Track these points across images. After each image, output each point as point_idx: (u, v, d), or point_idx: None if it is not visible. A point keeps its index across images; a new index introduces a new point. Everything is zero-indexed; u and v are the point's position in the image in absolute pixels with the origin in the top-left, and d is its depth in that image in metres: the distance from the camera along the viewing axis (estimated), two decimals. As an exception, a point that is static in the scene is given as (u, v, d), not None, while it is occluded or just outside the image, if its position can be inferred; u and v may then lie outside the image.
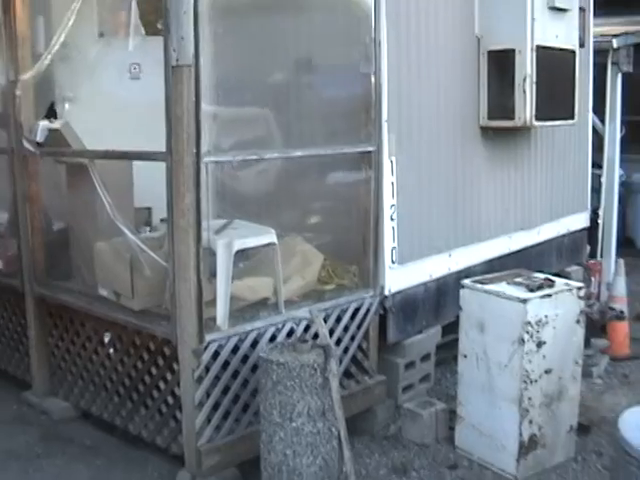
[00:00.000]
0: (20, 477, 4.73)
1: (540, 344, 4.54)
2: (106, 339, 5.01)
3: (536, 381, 4.57)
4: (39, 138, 5.10)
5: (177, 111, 4.06)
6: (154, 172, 4.48)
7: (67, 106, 5.43)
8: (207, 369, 4.35)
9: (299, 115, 5.84)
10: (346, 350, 5.06)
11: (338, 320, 4.99)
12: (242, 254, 4.63)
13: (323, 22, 5.55)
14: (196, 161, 4.09)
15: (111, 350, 5.01)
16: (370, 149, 5.07)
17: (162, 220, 5.14)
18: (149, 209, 5.75)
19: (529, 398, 4.57)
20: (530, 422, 4.60)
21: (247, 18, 5.68)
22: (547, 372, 4.61)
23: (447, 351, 5.85)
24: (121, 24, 5.54)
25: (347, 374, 5.13)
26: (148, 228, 5.44)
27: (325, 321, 4.68)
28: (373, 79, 5.04)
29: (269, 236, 4.59)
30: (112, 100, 5.85)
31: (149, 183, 5.18)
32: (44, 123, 5.18)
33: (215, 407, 4.43)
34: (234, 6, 5.47)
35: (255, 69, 5.66)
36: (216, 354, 4.37)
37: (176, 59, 4.01)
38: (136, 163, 5.12)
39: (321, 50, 5.70)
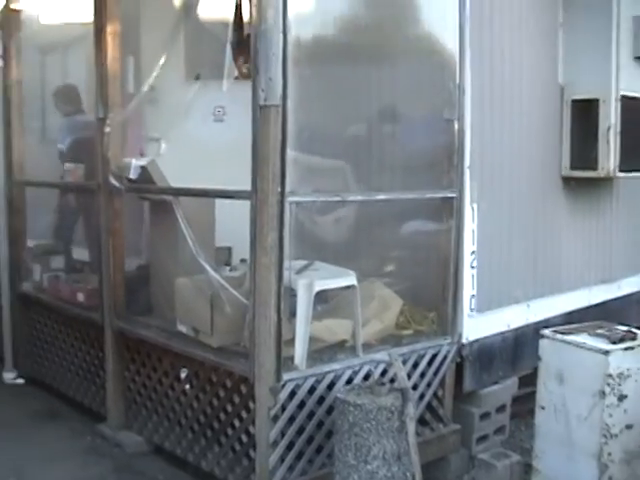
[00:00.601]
0: (92, 507, 4.87)
1: (621, 398, 4.51)
2: (183, 375, 5.12)
3: (617, 436, 4.52)
4: (132, 175, 5.31)
5: (263, 150, 4.22)
6: (235, 212, 4.65)
7: (163, 145, 5.61)
8: (283, 408, 4.43)
9: (380, 165, 5.92)
10: (422, 397, 5.10)
11: (415, 366, 5.04)
12: (322, 295, 4.73)
13: (407, 69, 5.67)
14: (280, 200, 4.23)
15: (187, 386, 5.13)
16: (452, 195, 5.16)
17: (242, 260, 5.28)
18: (229, 249, 5.90)
19: (609, 453, 4.52)
20: (609, 478, 4.54)
21: (331, 65, 5.83)
22: (628, 427, 4.56)
23: (522, 404, 5.82)
24: (211, 68, 5.77)
25: (422, 421, 5.15)
26: (228, 267, 5.57)
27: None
28: (456, 125, 5.14)
29: (350, 278, 4.68)
30: (196, 141, 6.05)
31: (230, 223, 5.37)
32: (136, 161, 5.38)
33: (289, 447, 4.50)
34: (318, 53, 5.63)
35: (337, 117, 5.78)
36: (292, 394, 4.45)
37: (264, 99, 4.17)
38: (217, 203, 5.32)
39: (404, 97, 5.80)
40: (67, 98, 7.18)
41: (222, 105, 6.39)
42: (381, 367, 4.79)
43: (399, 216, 5.56)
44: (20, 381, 7.16)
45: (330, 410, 4.56)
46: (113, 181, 5.54)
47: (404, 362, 4.88)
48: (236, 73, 5.08)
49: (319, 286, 4.52)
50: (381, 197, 5.00)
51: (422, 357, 5.07)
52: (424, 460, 4.74)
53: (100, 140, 5.66)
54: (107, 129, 5.58)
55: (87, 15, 5.90)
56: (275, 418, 4.41)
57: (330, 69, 5.80)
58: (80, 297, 6.13)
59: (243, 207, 4.41)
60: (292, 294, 4.57)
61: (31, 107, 7.49)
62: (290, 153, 4.72)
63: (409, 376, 4.89)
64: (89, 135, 6.17)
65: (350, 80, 5.82)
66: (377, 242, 5.65)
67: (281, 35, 4.16)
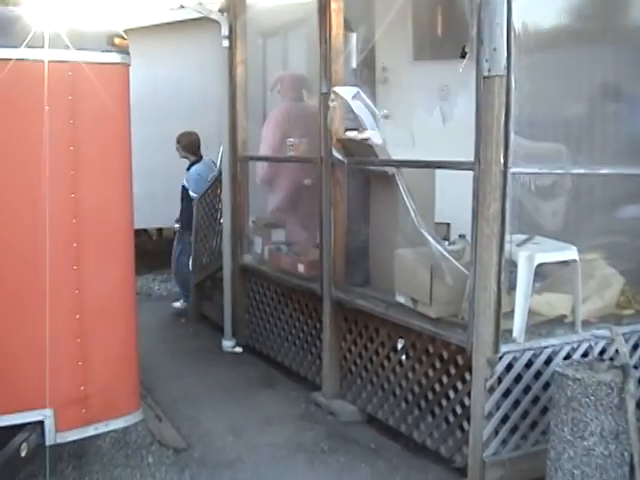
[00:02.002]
0: (306, 467, 5.33)
1: None
2: (399, 346, 5.48)
3: None
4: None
5: (487, 120, 4.48)
6: (453, 189, 4.93)
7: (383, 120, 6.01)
8: (499, 380, 4.68)
9: (602, 145, 5.96)
10: (641, 380, 5.17)
11: (635, 347, 5.13)
12: (542, 270, 4.92)
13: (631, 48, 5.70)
14: (503, 170, 4.47)
15: (403, 357, 5.48)
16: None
17: (460, 236, 5.55)
18: (448, 224, 6.22)
19: None
20: None
21: (553, 40, 5.94)
22: None
23: None
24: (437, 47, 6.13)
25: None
26: (446, 242, 5.87)
27: (623, 348, 4.83)
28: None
29: (571, 252, 4.84)
30: (422, 117, 6.40)
31: (448, 200, 5.68)
32: (358, 134, 5.79)
33: (503, 420, 4.75)
34: (542, 26, 5.78)
35: (558, 96, 5.90)
36: (509, 366, 4.70)
37: (488, 69, 4.43)
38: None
39: (628, 76, 5.83)
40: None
41: (446, 84, 6.71)
42: (600, 345, 4.92)
43: (621, 195, 5.62)
44: (238, 349, 7.84)
45: (546, 386, 4.76)
46: (336, 154, 5.99)
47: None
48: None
49: (540, 259, 4.72)
50: (604, 171, 5.13)
51: (644, 339, 5.16)
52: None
53: (323, 114, 6.11)
54: (331, 104, 6.01)
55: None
56: (491, 390, 4.67)
57: (553, 44, 5.92)
58: (300, 268, 6.65)
59: (461, 184, 4.71)
60: (512, 267, 4.80)
61: (254, 88, 8.12)
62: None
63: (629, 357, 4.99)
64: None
65: (573, 57, 5.90)
66: (598, 220, 5.72)
67: (505, 4, 4.39)
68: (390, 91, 6.94)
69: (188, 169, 9.28)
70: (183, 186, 9.20)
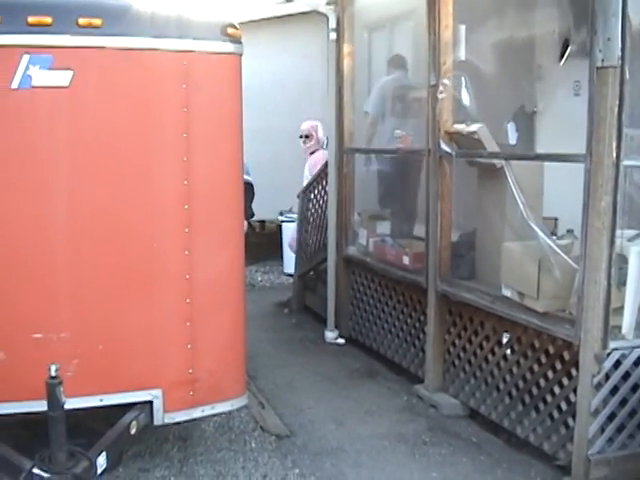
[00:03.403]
0: (407, 458, 5.37)
1: None
2: (504, 340, 5.48)
3: None
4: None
5: (600, 112, 4.45)
6: (562, 183, 4.90)
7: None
8: (607, 377, 4.64)
9: None
10: None
11: None
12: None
13: None
14: (616, 163, 4.44)
15: (508, 351, 5.48)
16: None
17: (568, 231, 5.52)
18: (556, 219, 6.18)
19: None
20: None
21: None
22: None
23: None
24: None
25: None
26: (555, 237, 5.84)
27: None
28: None
29: (684, 248, 4.77)
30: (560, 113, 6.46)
31: (556, 195, 5.65)
32: (465, 127, 5.81)
33: (610, 418, 4.71)
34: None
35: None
36: (618, 363, 4.65)
37: (601, 60, 4.40)
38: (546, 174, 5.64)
39: None
40: (398, 63, 7.82)
41: (579, 80, 6.71)
42: None
43: None
44: (341, 341, 7.96)
45: (656, 385, 4.71)
46: (444, 146, 6.02)
47: None
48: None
49: (652, 254, 4.67)
50: None
51: None
52: None
53: (432, 106, 6.15)
54: (441, 95, 6.04)
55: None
56: (598, 386, 4.63)
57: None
58: (405, 260, 6.72)
59: (569, 178, 4.69)
60: (621, 266, 4.75)
61: (360, 81, 8.22)
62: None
63: None
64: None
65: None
66: None
67: (620, -6, 4.36)
68: (545, 88, 7.26)
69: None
70: None
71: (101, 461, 3.92)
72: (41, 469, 3.62)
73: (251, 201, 7.53)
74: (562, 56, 5.42)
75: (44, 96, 4.25)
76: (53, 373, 3.51)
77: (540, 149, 6.89)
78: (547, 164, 5.69)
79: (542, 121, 7.46)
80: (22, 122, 4.27)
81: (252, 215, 7.75)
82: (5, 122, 4.24)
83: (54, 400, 3.50)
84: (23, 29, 4.14)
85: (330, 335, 7.97)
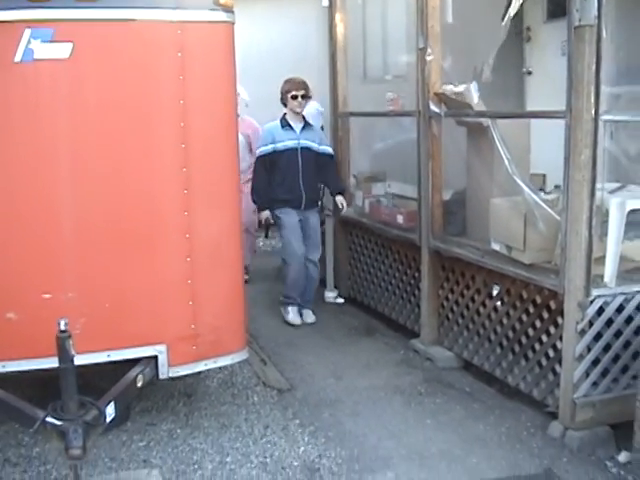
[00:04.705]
0: (403, 407, 5.64)
1: None
2: (494, 292, 5.71)
3: None
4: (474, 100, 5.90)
5: (577, 69, 4.64)
6: (551, 140, 5.09)
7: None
8: (590, 323, 4.87)
9: None
10: None
11: None
12: (636, 217, 5.05)
13: None
14: (594, 118, 4.63)
15: (498, 303, 5.72)
16: None
17: (556, 186, 5.73)
18: (544, 175, 6.40)
19: None
20: None
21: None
22: None
23: None
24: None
25: None
26: (542, 193, 6.05)
27: None
28: None
29: (664, 200, 4.98)
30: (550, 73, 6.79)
31: (545, 152, 5.84)
32: (453, 87, 6.00)
33: (594, 363, 4.94)
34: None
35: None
36: (600, 310, 4.87)
37: (578, 19, 4.58)
38: (533, 132, 5.83)
39: None
40: None
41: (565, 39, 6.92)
42: (694, 292, 5.05)
43: None
44: (340, 300, 8.22)
45: (638, 331, 4.93)
46: (433, 107, 6.22)
47: None
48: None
49: (632, 205, 4.86)
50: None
51: None
52: None
53: (420, 69, 6.34)
54: (428, 58, 6.23)
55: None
56: (582, 333, 4.86)
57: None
58: (399, 219, 6.94)
59: (558, 135, 4.87)
60: (604, 219, 4.96)
61: (354, 48, 8.39)
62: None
63: None
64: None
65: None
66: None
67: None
68: (532, 49, 7.60)
69: None
70: None
71: (110, 410, 4.14)
72: (54, 417, 3.86)
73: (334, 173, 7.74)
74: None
75: (46, 68, 4.42)
76: (62, 327, 3.69)
77: (531, 108, 7.12)
78: (536, 123, 5.91)
79: (531, 81, 7.67)
80: (26, 94, 4.45)
81: (343, 190, 7.79)
82: (9, 94, 4.42)
83: (64, 352, 3.70)
84: (24, 4, 4.32)
85: (330, 295, 8.21)
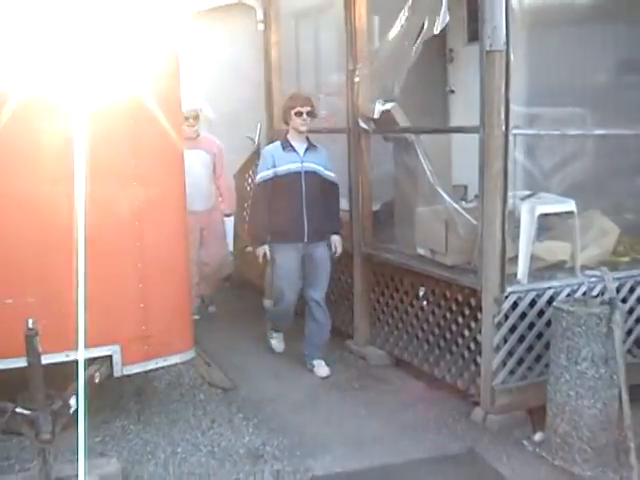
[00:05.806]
0: (339, 401, 6.17)
1: None
2: (421, 293, 6.25)
3: None
4: (376, 115, 6.43)
5: (489, 89, 5.21)
6: (471, 154, 5.64)
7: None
8: (506, 317, 5.43)
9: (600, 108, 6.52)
10: (638, 320, 5.87)
11: (631, 291, 5.83)
12: (545, 221, 5.63)
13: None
14: (505, 133, 5.20)
15: (424, 303, 6.25)
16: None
17: (476, 196, 6.26)
18: (465, 187, 6.97)
19: None
20: None
21: (558, 20, 6.57)
22: None
23: None
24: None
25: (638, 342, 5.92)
26: (463, 202, 6.59)
27: (618, 291, 5.49)
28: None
29: (569, 205, 5.56)
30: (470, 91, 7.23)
31: (467, 165, 6.39)
32: (379, 105, 6.52)
33: (510, 353, 5.50)
34: (544, 6, 6.47)
35: (567, 68, 6.54)
36: (515, 305, 5.44)
37: (489, 45, 5.15)
38: (455, 147, 6.38)
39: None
40: None
41: None
42: (598, 288, 5.58)
43: (624, 152, 6.30)
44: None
45: (549, 323, 5.46)
46: (362, 124, 6.75)
47: (620, 286, 5.68)
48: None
49: (541, 210, 5.45)
50: (601, 132, 5.83)
51: (639, 283, 5.86)
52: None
53: (350, 88, 6.86)
54: (356, 79, 6.76)
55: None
56: (499, 325, 5.41)
57: (558, 24, 6.58)
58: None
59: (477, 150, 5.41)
60: (516, 225, 5.53)
61: (287, 68, 8.86)
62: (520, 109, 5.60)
63: (625, 300, 5.71)
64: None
65: (578, 35, 6.56)
66: (599, 176, 6.38)
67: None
68: (455, 69, 8.18)
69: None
70: None
71: (72, 402, 4.52)
72: (23, 408, 4.26)
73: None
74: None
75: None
76: (30, 325, 4.08)
77: (454, 124, 7.69)
78: (460, 139, 6.47)
79: (454, 99, 8.25)
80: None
81: (339, 230, 6.78)
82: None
83: (32, 348, 4.10)
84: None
85: (268, 302, 8.62)
